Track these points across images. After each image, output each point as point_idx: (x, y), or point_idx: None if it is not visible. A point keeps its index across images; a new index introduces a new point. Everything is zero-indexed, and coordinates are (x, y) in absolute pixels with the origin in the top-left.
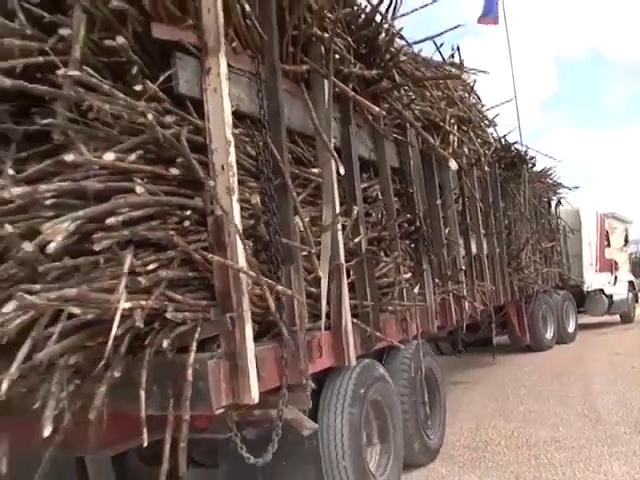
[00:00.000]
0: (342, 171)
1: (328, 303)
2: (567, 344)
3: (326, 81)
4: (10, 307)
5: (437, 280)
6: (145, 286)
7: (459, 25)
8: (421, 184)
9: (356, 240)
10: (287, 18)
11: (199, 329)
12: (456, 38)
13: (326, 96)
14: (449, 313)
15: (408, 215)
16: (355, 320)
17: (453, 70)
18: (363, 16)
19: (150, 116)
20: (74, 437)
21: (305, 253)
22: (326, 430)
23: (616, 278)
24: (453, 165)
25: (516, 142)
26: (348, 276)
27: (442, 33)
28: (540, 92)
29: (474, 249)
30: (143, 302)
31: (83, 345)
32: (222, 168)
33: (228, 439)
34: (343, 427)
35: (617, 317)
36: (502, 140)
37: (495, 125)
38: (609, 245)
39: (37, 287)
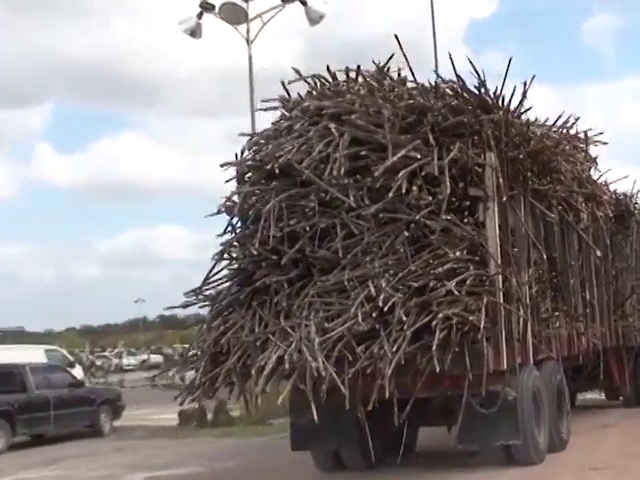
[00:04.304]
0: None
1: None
2: None
3: (522, 197)
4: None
5: (567, 319)
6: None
7: None
8: (560, 250)
9: (533, 290)
10: (509, 170)
11: (484, 332)
12: None
13: (522, 206)
14: (573, 344)
15: (553, 273)
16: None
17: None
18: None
19: (470, 232)
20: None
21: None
22: (519, 397)
23: None
24: (598, 253)
25: (626, 197)
26: None
27: None
28: (468, 14)
29: (588, 296)
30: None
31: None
32: (494, 255)
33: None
34: (524, 397)
35: None
36: (614, 195)
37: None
38: None
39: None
